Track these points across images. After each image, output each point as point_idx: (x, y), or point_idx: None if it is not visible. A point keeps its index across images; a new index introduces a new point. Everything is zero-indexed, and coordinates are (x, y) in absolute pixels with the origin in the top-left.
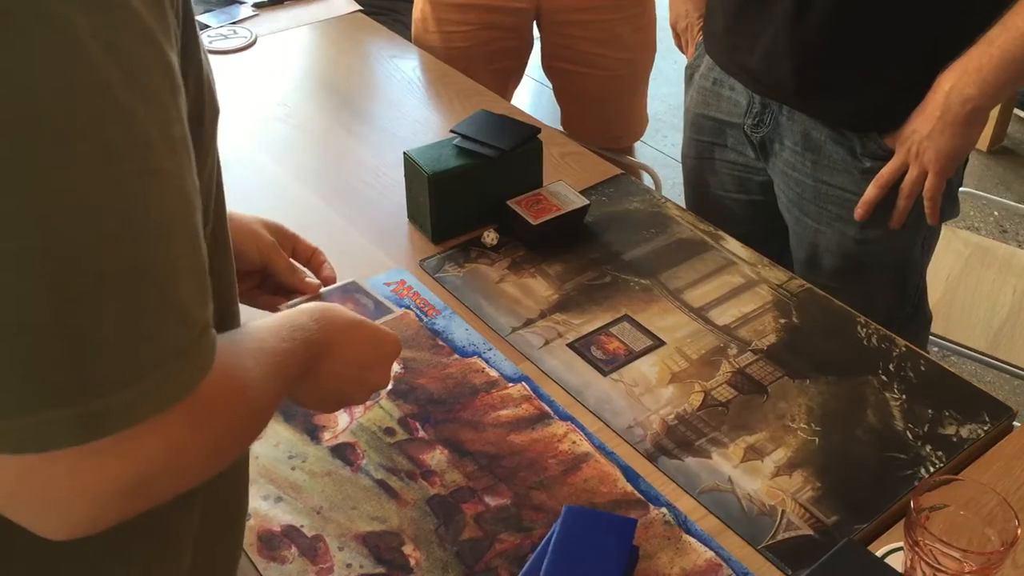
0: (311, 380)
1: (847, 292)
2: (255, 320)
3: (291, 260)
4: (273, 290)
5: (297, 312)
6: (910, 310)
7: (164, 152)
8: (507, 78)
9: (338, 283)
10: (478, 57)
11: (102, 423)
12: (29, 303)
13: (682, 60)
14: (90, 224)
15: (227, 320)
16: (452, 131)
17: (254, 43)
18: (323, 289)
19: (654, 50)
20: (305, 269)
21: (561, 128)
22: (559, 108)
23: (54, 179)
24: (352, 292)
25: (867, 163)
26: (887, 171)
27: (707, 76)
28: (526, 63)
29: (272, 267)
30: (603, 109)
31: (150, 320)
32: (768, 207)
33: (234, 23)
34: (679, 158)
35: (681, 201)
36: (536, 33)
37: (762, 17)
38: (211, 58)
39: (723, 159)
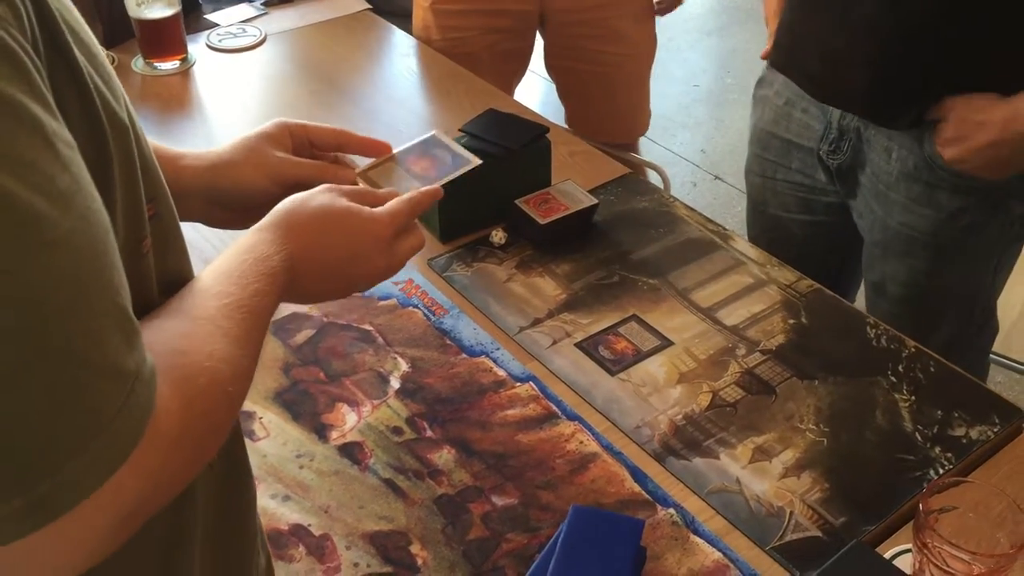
0: (294, 291)
1: (912, 320)
2: (217, 264)
3: (314, 162)
4: None
5: (256, 237)
6: (974, 330)
7: (57, 215)
8: (511, 79)
9: (418, 138)
10: (484, 61)
11: (52, 505)
12: None
13: (691, 59)
14: None
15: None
16: (461, 130)
17: (263, 41)
18: (404, 147)
19: (655, 43)
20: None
21: (566, 125)
22: (563, 106)
23: None
24: (430, 147)
25: (943, 198)
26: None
27: (780, 95)
28: (529, 63)
29: (300, 183)
30: (609, 105)
31: (79, 393)
32: (832, 227)
33: (244, 21)
34: (688, 157)
35: (689, 200)
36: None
37: (829, 20)
38: (221, 56)
39: (787, 180)
